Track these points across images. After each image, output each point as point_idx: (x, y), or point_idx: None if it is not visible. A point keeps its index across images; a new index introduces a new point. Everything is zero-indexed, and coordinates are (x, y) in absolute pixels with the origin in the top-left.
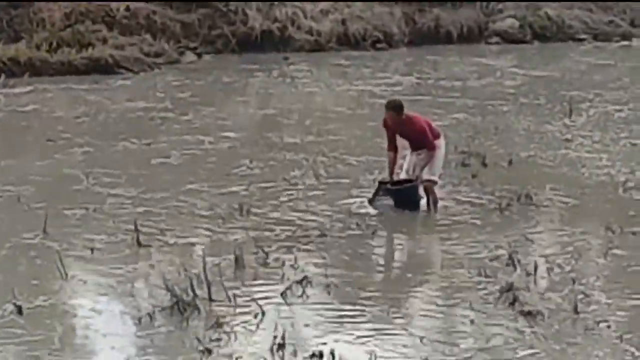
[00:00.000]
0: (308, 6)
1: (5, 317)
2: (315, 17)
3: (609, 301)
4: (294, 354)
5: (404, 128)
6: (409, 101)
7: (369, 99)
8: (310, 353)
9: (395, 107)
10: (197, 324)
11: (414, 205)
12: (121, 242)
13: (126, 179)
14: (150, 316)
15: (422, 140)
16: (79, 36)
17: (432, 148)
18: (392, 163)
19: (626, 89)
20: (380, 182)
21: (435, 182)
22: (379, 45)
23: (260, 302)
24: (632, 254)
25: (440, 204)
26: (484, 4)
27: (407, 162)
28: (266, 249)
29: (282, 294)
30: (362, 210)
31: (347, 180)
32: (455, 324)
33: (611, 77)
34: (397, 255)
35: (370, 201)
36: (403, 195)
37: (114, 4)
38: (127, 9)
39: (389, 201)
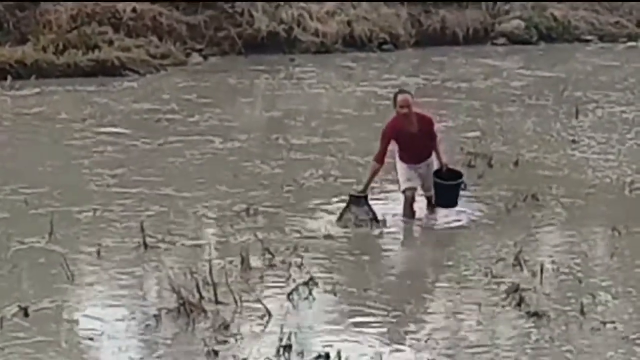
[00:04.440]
0: (314, 7)
1: (11, 319)
2: (321, 18)
3: (616, 302)
4: (300, 355)
5: (412, 124)
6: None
7: (375, 101)
8: (317, 355)
9: (408, 92)
10: (204, 325)
11: (455, 201)
12: (128, 244)
13: (132, 181)
14: (157, 318)
15: (428, 138)
16: (85, 38)
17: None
18: (374, 175)
19: (632, 90)
20: (352, 195)
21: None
22: (384, 47)
23: (267, 303)
24: (638, 254)
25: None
26: (490, 5)
27: (404, 172)
28: (273, 251)
29: (288, 296)
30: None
31: (353, 181)
32: (461, 325)
33: (617, 78)
34: (403, 256)
35: (340, 218)
36: (453, 190)
37: (120, 6)
38: (134, 10)
39: (362, 215)
